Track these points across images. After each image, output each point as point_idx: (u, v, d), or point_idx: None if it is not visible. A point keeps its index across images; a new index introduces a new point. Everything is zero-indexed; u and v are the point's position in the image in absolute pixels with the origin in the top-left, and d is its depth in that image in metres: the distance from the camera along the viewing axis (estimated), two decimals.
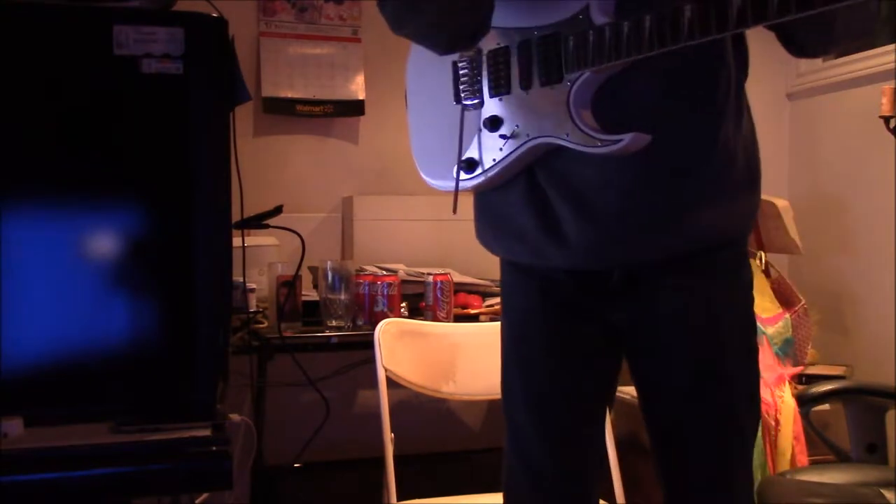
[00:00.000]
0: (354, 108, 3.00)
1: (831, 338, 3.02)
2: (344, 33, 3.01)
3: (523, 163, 1.34)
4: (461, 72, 1.41)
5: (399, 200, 2.90)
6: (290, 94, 2.93)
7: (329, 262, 2.42)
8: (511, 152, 1.34)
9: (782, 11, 1.07)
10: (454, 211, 1.42)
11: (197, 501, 2.42)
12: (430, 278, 2.47)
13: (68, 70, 1.69)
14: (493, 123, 1.36)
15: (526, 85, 1.32)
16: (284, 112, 2.94)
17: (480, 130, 1.38)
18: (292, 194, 2.86)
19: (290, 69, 2.95)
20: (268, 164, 2.92)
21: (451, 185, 1.43)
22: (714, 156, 1.30)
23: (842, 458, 2.23)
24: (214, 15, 1.76)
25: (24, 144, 1.68)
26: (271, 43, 2.93)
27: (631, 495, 2.37)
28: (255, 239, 2.49)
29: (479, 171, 1.38)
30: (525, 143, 1.32)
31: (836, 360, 2.91)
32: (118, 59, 1.68)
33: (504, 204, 1.39)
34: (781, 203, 2.83)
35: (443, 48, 1.40)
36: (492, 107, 1.37)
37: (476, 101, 1.39)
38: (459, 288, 2.61)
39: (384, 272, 2.55)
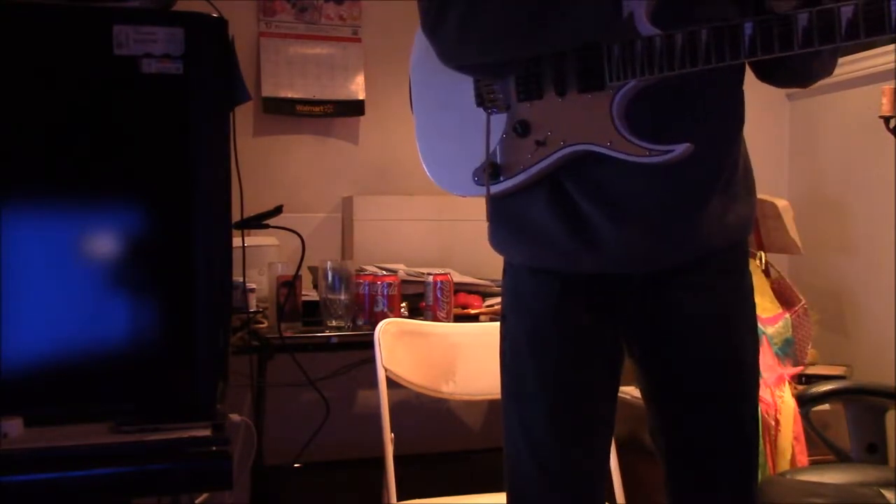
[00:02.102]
0: (354, 108, 3.00)
1: (831, 338, 3.02)
2: (344, 33, 3.01)
3: (553, 168, 1.33)
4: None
5: (399, 200, 2.90)
6: (290, 94, 2.93)
7: (329, 262, 2.42)
8: (543, 158, 1.32)
9: (851, 35, 1.08)
10: (488, 219, 1.39)
11: (197, 501, 2.42)
12: (430, 278, 2.46)
13: (68, 70, 1.69)
14: (523, 128, 1.34)
15: (561, 91, 1.31)
16: (284, 112, 2.94)
17: (506, 135, 1.35)
18: (292, 194, 2.86)
19: (290, 69, 2.95)
20: (268, 164, 2.92)
21: (470, 191, 1.40)
22: (732, 162, 1.36)
23: (842, 458, 2.23)
24: (214, 15, 1.76)
25: (25, 145, 1.69)
26: (271, 43, 2.93)
27: (631, 495, 2.37)
28: (255, 239, 2.49)
29: (504, 176, 1.36)
30: (560, 149, 1.31)
31: (836, 360, 2.91)
32: (118, 59, 1.68)
33: (526, 210, 1.37)
34: (781, 203, 2.83)
35: (498, 78, 1.38)
36: (520, 111, 1.35)
37: (501, 105, 1.36)
38: (459, 288, 2.61)
39: (384, 272, 2.55)
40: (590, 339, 1.40)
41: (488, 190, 1.37)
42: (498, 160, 1.36)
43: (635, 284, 1.37)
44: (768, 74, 1.39)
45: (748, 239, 1.45)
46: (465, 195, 1.43)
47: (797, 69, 1.33)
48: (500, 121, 1.37)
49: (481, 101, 1.39)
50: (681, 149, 1.23)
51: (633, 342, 1.44)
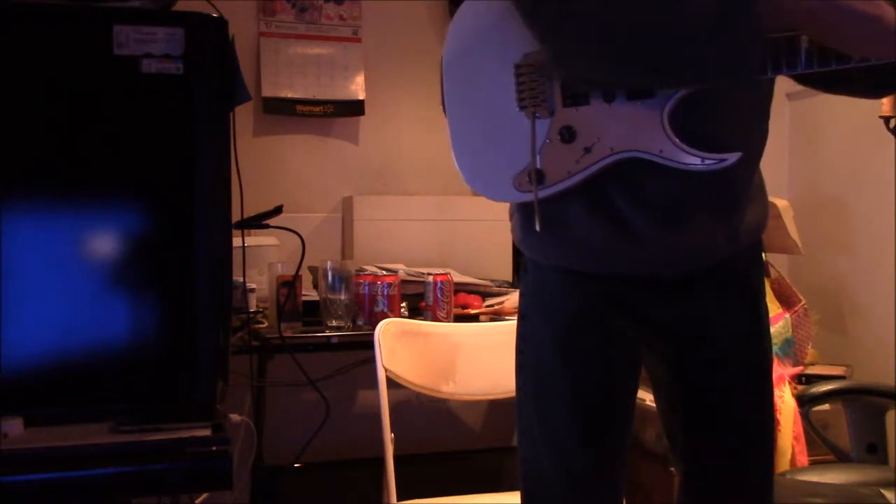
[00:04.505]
0: (354, 108, 3.00)
1: (831, 338, 3.02)
2: (344, 33, 3.01)
3: (599, 173, 1.31)
4: (522, 79, 1.35)
5: (399, 200, 2.90)
6: (290, 94, 2.93)
7: (329, 262, 2.42)
8: (591, 165, 1.30)
9: None
10: (537, 227, 1.34)
11: (197, 501, 2.42)
12: (430, 278, 2.46)
13: (68, 70, 1.69)
14: (569, 134, 1.32)
15: (609, 97, 1.29)
16: (284, 112, 2.94)
17: (549, 140, 1.33)
18: (292, 194, 2.86)
19: (290, 69, 2.95)
20: (268, 164, 2.92)
21: (509, 196, 1.38)
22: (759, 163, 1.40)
23: (842, 458, 2.23)
24: (214, 15, 1.76)
25: (25, 144, 1.69)
26: (271, 43, 2.93)
27: (631, 496, 2.37)
28: (255, 239, 2.49)
29: (548, 182, 1.33)
30: (609, 156, 1.29)
31: (836, 360, 2.90)
32: (118, 59, 1.68)
33: (562, 211, 1.35)
34: (781, 203, 2.83)
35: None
36: (565, 117, 1.32)
37: (544, 110, 1.34)
38: (459, 288, 2.61)
39: (384, 272, 2.55)
40: (618, 341, 1.41)
41: (536, 195, 1.33)
42: (540, 166, 1.33)
43: (667, 287, 1.38)
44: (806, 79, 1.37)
45: (762, 237, 1.47)
46: (503, 200, 1.41)
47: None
48: (542, 126, 1.34)
49: (523, 105, 1.35)
50: (734, 157, 1.24)
51: (661, 345, 1.43)
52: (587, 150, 1.31)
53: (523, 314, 1.47)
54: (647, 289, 1.38)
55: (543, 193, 1.34)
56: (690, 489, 1.45)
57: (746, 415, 1.42)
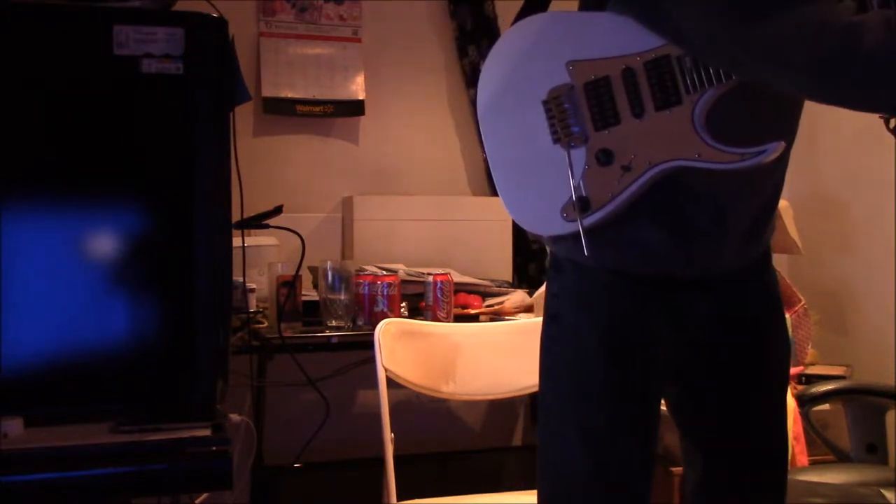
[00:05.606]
0: (354, 108, 3.00)
1: (831, 338, 3.02)
2: (344, 33, 3.01)
3: (644, 190, 1.32)
4: (552, 113, 1.37)
5: (399, 200, 2.91)
6: (290, 94, 2.93)
7: (329, 262, 2.42)
8: (632, 183, 1.31)
9: None
10: (586, 252, 1.35)
11: (197, 501, 2.42)
12: (430, 278, 2.47)
13: (68, 70, 1.69)
14: (606, 156, 1.33)
15: (638, 113, 1.30)
16: (284, 112, 2.94)
17: (588, 167, 1.34)
18: (292, 194, 2.86)
19: (290, 69, 2.95)
20: (268, 164, 2.92)
21: (560, 229, 1.37)
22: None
23: (842, 458, 2.23)
24: (214, 15, 1.76)
25: (25, 145, 1.69)
26: (271, 43, 2.93)
27: None
28: (255, 239, 2.49)
29: (595, 207, 1.34)
30: (648, 170, 1.30)
31: (836, 360, 2.91)
32: (118, 59, 1.68)
33: (623, 218, 1.36)
34: (781, 203, 2.81)
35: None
36: (600, 140, 1.33)
37: (578, 139, 1.35)
38: (459, 288, 2.61)
39: (384, 272, 2.55)
40: (661, 341, 1.41)
41: (581, 224, 1.34)
42: (584, 193, 1.34)
43: (709, 288, 1.40)
44: None
45: None
46: (557, 234, 1.40)
47: None
48: (579, 154, 1.35)
49: (557, 138, 1.37)
50: (773, 147, 1.23)
51: (699, 344, 1.43)
52: (626, 168, 1.31)
53: (555, 314, 1.45)
54: (693, 290, 1.39)
55: (593, 219, 1.34)
56: (711, 483, 1.47)
57: (773, 412, 1.45)
